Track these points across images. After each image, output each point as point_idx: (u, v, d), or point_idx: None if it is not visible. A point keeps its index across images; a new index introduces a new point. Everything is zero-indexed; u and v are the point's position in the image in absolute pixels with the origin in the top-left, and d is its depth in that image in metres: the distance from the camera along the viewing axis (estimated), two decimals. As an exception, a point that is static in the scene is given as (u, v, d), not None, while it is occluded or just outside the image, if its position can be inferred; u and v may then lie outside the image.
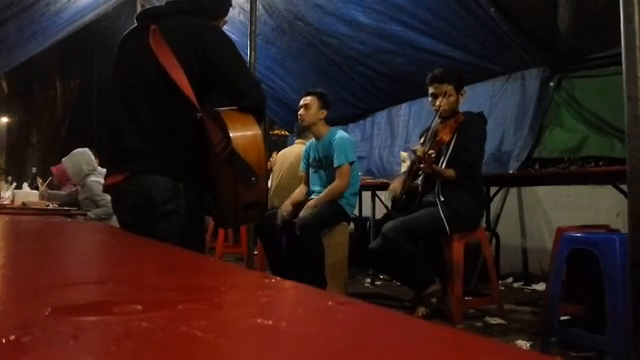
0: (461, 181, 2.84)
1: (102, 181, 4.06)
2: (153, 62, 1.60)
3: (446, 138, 2.86)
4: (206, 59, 1.64)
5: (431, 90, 2.98)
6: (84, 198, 4.10)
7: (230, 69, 1.67)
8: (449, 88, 2.91)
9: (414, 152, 2.95)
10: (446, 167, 2.87)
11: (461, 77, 3.02)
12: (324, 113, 3.42)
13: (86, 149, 4.23)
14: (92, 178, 4.00)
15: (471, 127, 2.89)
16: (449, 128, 2.88)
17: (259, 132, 1.60)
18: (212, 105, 1.66)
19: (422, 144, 3.00)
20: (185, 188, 1.67)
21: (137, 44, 1.71)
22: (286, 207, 3.38)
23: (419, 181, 3.07)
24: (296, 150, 4.05)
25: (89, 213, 3.88)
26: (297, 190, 3.56)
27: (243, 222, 3.16)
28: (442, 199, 2.83)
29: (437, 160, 2.91)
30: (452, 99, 2.92)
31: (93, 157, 4.17)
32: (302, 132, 4.13)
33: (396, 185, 3.11)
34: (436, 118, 2.94)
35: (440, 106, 2.91)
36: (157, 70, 1.60)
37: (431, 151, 2.77)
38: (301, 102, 3.47)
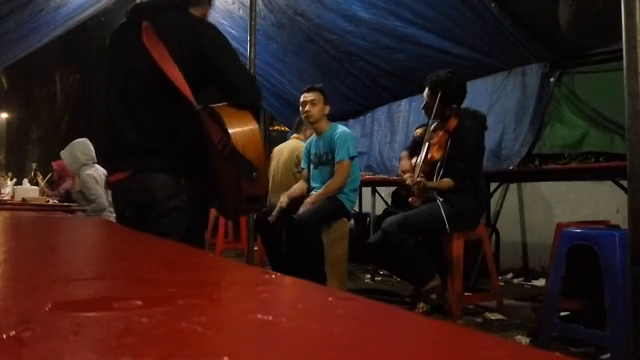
0: (461, 183, 2.84)
1: (96, 175, 4.08)
2: (148, 60, 1.60)
3: (437, 155, 2.84)
4: (202, 57, 1.64)
5: (425, 92, 3.02)
6: (77, 190, 4.10)
7: (226, 66, 1.67)
8: (439, 96, 2.88)
9: (405, 185, 2.86)
10: (443, 175, 2.86)
11: (456, 87, 2.94)
12: (327, 109, 3.41)
13: (85, 139, 4.22)
14: (87, 171, 3.99)
15: (464, 131, 2.87)
16: (439, 142, 2.85)
17: (256, 126, 1.61)
18: (208, 101, 1.67)
19: (414, 165, 2.94)
20: (186, 184, 1.68)
21: (130, 42, 1.70)
22: (283, 199, 3.39)
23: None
24: (290, 145, 4.04)
25: (88, 209, 3.88)
26: (297, 185, 3.56)
27: (244, 213, 3.56)
28: (441, 199, 2.83)
29: (432, 172, 2.89)
30: (440, 108, 2.91)
31: (92, 147, 4.16)
32: (299, 127, 4.10)
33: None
34: (430, 126, 2.94)
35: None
36: (152, 68, 1.59)
37: (420, 178, 2.77)
38: (305, 97, 3.38)
